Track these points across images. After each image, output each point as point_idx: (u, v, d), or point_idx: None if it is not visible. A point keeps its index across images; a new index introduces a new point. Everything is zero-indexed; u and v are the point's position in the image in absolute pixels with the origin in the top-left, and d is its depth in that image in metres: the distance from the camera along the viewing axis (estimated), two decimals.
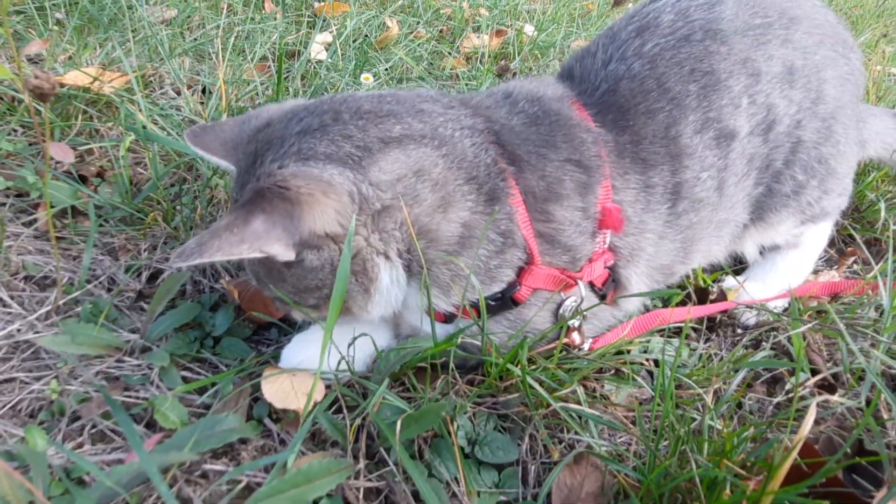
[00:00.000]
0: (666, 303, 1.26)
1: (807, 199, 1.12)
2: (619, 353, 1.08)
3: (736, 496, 0.74)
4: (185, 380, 0.99)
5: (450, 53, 2.17)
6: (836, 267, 1.48)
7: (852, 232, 1.45)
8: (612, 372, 1.07)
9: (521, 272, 0.95)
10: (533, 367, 0.97)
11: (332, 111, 0.91)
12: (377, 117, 0.90)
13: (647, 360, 1.10)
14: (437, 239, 0.90)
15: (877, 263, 1.47)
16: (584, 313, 1.00)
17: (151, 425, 0.92)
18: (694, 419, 0.91)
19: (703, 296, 1.26)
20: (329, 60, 1.90)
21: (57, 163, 1.29)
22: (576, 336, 1.02)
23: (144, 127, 1.23)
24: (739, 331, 1.22)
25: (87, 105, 1.44)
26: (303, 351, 0.99)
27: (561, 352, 0.99)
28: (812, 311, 1.23)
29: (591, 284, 1.02)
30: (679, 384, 1.02)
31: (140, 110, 1.29)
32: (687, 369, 1.07)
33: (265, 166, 0.88)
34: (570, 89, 1.06)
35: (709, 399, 0.92)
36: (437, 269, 0.92)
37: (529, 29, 2.46)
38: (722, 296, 1.27)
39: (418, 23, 2.37)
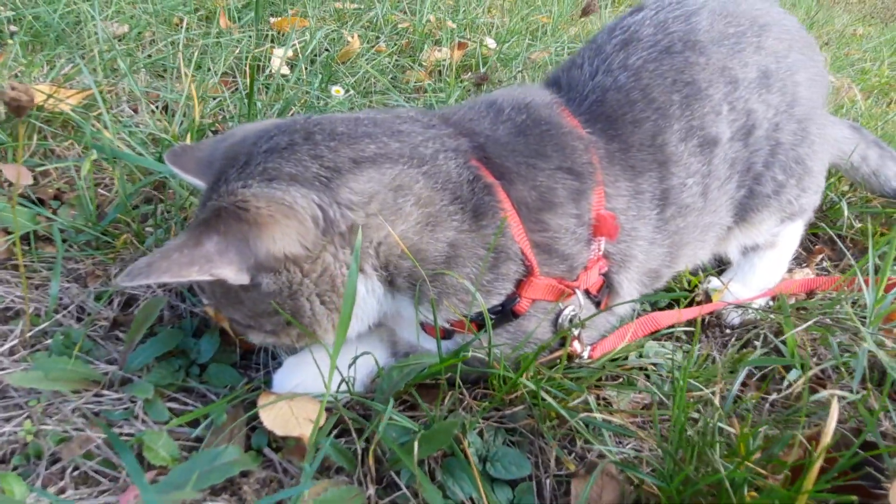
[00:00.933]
0: (653, 307, 1.26)
1: (787, 198, 1.16)
2: (617, 358, 1.08)
3: (764, 497, 0.73)
4: (172, 412, 0.92)
5: (412, 67, 2.15)
6: (804, 265, 1.53)
7: (827, 230, 1.50)
8: (617, 379, 1.06)
9: (520, 284, 0.93)
10: (538, 377, 0.95)
11: (303, 131, 0.88)
12: (351, 139, 0.88)
13: (647, 364, 1.10)
14: (424, 259, 0.87)
15: (843, 259, 1.54)
16: (584, 322, 0.99)
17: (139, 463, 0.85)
18: (707, 422, 0.90)
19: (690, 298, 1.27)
20: (293, 75, 1.85)
21: (10, 185, 1.20)
22: (576, 345, 1.01)
23: (111, 144, 1.16)
24: (728, 331, 1.23)
25: (42, 124, 1.35)
26: (296, 374, 0.95)
27: (564, 361, 0.97)
28: (792, 308, 1.25)
29: (587, 291, 1.01)
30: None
31: (105, 127, 1.22)
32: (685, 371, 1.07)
33: (228, 184, 0.85)
34: (558, 96, 1.06)
35: (717, 401, 0.92)
36: (423, 285, 0.89)
37: (491, 42, 2.48)
38: (706, 297, 1.29)
39: (377, 37, 2.36)
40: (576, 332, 1.00)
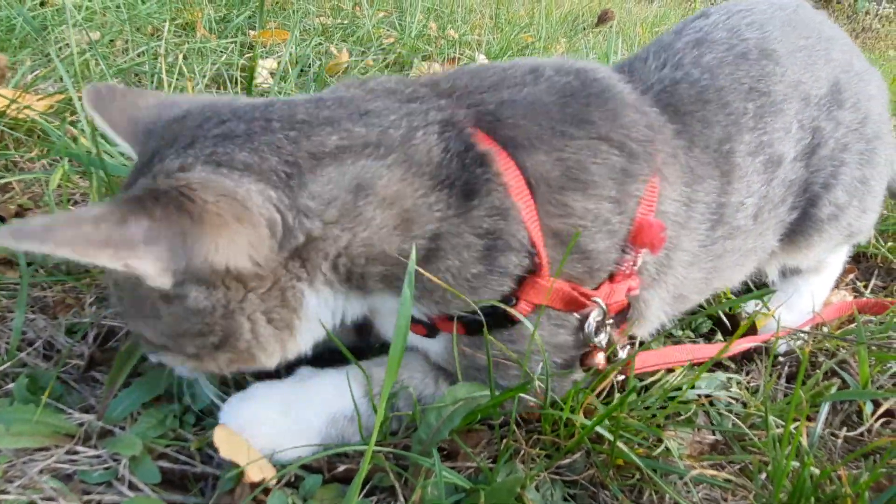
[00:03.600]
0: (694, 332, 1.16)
1: (846, 221, 1.06)
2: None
3: None
4: (164, 472, 0.76)
5: None
6: (836, 286, 1.45)
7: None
8: (673, 416, 0.93)
9: (521, 282, 0.76)
10: (602, 418, 0.81)
11: (262, 118, 0.72)
12: (311, 127, 0.72)
13: (702, 398, 0.98)
14: (398, 262, 0.72)
15: (868, 279, 1.46)
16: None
17: None
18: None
19: (732, 323, 1.17)
20: (285, 85, 1.72)
21: None
22: (600, 357, 0.84)
23: (90, 152, 1.00)
24: (781, 359, 1.13)
25: (5, 129, 1.18)
26: (249, 407, 0.78)
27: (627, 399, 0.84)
28: (840, 333, 1.17)
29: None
30: (751, 424, 0.91)
31: (83, 132, 1.06)
32: (748, 407, 0.96)
33: (164, 162, 0.69)
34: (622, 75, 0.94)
35: (804, 441, 0.80)
36: (399, 285, 0.71)
37: (482, 58, 2.40)
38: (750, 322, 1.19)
39: (363, 52, 2.25)
40: (602, 343, 0.83)
